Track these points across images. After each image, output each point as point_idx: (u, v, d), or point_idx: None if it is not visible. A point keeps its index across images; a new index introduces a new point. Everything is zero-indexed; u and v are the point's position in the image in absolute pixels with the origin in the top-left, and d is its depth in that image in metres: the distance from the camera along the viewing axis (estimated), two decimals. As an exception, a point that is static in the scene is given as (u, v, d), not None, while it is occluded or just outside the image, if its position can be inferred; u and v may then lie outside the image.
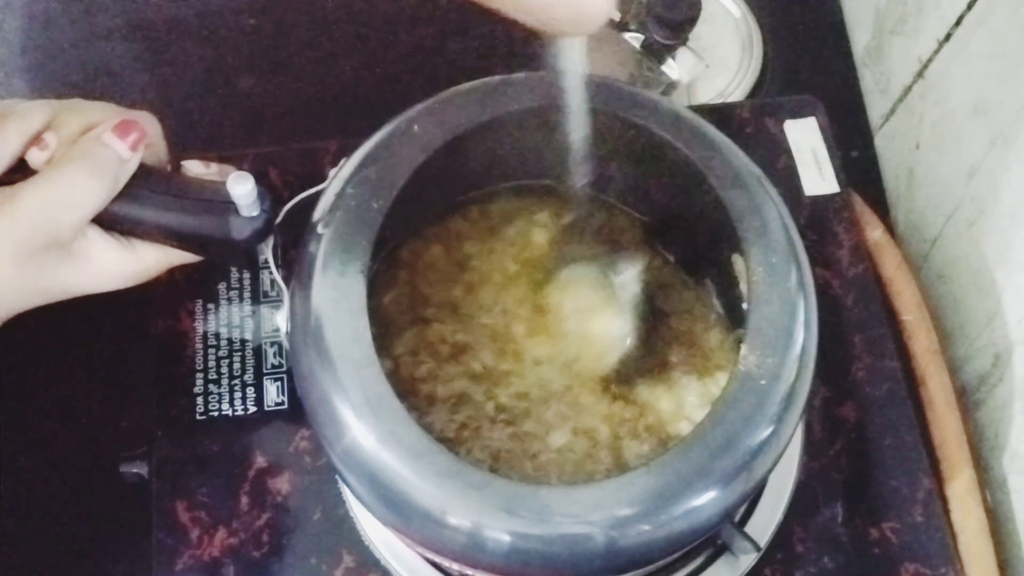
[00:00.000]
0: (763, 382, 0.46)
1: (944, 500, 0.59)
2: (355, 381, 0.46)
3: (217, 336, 0.60)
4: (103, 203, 0.49)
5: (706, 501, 0.45)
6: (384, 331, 0.55)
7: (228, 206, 0.51)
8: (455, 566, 0.48)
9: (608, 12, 0.42)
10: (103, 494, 0.62)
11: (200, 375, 0.59)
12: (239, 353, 0.60)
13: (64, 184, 0.48)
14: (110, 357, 0.66)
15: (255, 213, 0.51)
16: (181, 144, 0.55)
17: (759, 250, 0.49)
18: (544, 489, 0.45)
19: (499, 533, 0.44)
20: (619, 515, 0.44)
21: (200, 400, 0.59)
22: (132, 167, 0.50)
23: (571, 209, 0.59)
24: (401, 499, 0.45)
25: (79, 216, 0.48)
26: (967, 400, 0.64)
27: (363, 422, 0.45)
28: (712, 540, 0.53)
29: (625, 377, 0.54)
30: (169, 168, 0.53)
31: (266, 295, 0.61)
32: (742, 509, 0.56)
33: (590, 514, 0.44)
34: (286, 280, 0.52)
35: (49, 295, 0.50)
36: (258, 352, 0.60)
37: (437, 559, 0.49)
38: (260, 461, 0.57)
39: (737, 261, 0.52)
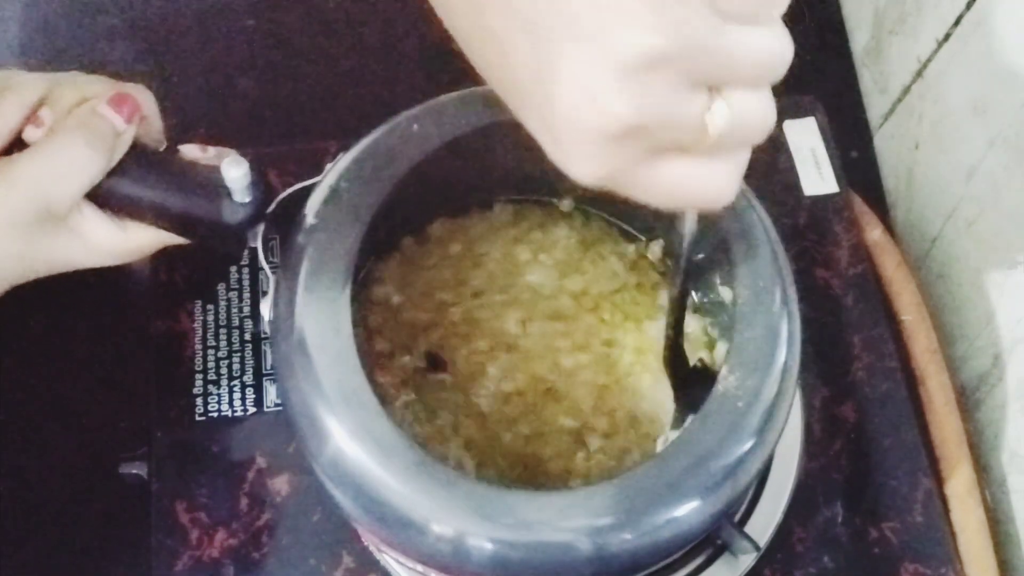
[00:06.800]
0: (740, 403, 0.46)
1: (944, 500, 0.59)
2: (332, 374, 0.46)
3: (216, 337, 0.60)
4: (99, 175, 0.49)
5: (672, 517, 0.45)
6: (371, 328, 0.55)
7: (221, 189, 0.51)
8: (419, 567, 0.48)
9: (724, 204, 0.39)
10: (103, 494, 0.62)
11: (199, 376, 0.59)
12: (238, 354, 0.60)
13: (60, 155, 0.48)
14: (110, 357, 0.66)
15: (248, 199, 0.51)
16: (180, 143, 0.55)
17: (745, 272, 0.49)
18: (512, 493, 0.45)
19: (465, 535, 0.44)
20: (585, 524, 0.44)
21: (200, 401, 0.59)
22: (127, 139, 0.50)
23: (565, 219, 0.59)
24: (368, 494, 0.45)
25: (75, 187, 0.48)
26: (966, 400, 0.64)
27: (336, 415, 0.45)
28: (711, 540, 0.53)
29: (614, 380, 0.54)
30: (165, 146, 0.53)
31: (265, 295, 0.61)
32: (742, 509, 0.56)
33: (557, 520, 0.44)
34: (274, 269, 0.52)
35: (44, 268, 0.51)
36: (257, 353, 0.60)
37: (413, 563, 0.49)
38: (260, 462, 0.57)
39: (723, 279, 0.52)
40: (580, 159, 0.37)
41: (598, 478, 0.52)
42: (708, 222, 0.51)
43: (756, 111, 0.37)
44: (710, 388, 0.47)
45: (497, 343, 0.55)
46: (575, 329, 0.56)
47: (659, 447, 0.53)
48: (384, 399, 0.53)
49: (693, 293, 0.56)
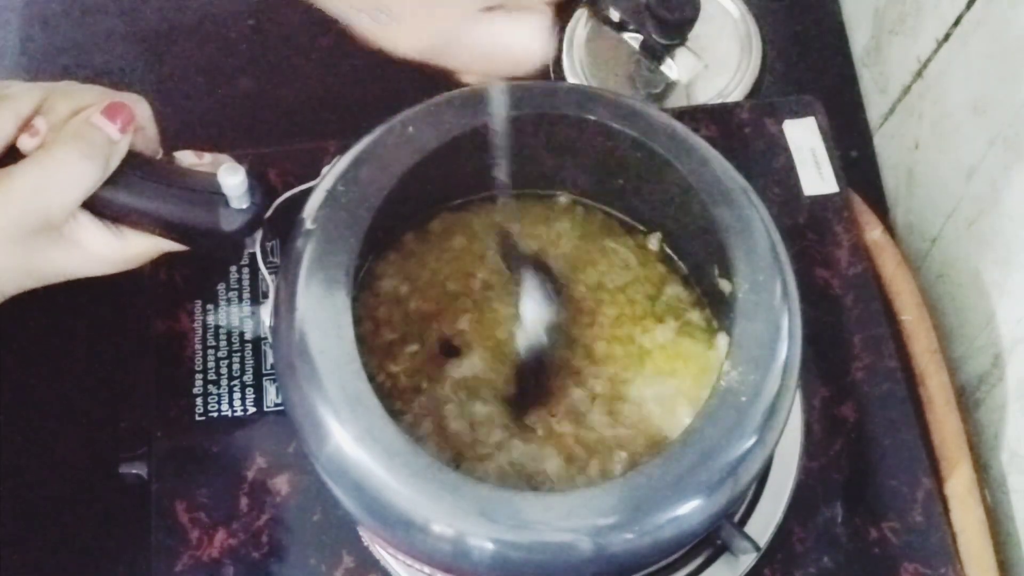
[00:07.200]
0: (744, 398, 0.46)
1: (944, 500, 0.59)
2: (335, 378, 0.46)
3: (216, 337, 0.60)
4: (94, 185, 0.49)
5: (676, 515, 0.45)
6: (370, 331, 0.55)
7: (218, 197, 0.51)
8: (421, 567, 0.48)
9: (543, 57, 0.44)
10: (103, 494, 0.63)
11: (199, 376, 0.59)
12: (238, 354, 0.60)
13: (55, 166, 0.48)
14: (110, 357, 0.66)
15: (245, 205, 0.51)
16: (181, 144, 0.55)
17: (745, 267, 0.49)
18: (514, 493, 0.45)
19: (468, 536, 0.44)
20: (589, 524, 0.44)
21: (200, 401, 0.59)
22: (123, 149, 0.50)
23: (565, 213, 0.59)
24: (373, 498, 0.45)
25: (71, 198, 0.48)
26: (966, 400, 0.64)
27: (340, 420, 0.45)
28: (711, 540, 0.53)
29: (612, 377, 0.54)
30: (160, 155, 0.53)
31: (265, 295, 0.61)
32: (742, 509, 0.56)
33: (559, 520, 0.44)
34: (273, 272, 0.52)
35: (41, 277, 0.51)
36: (257, 353, 0.60)
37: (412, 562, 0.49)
38: (260, 462, 0.57)
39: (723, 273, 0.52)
40: (406, 27, 0.41)
41: (623, 456, 0.52)
42: (696, 209, 0.51)
43: None
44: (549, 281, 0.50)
45: (492, 343, 0.55)
46: (598, 321, 0.56)
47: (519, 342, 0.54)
48: (393, 388, 0.53)
49: (696, 286, 0.57)
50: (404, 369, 0.54)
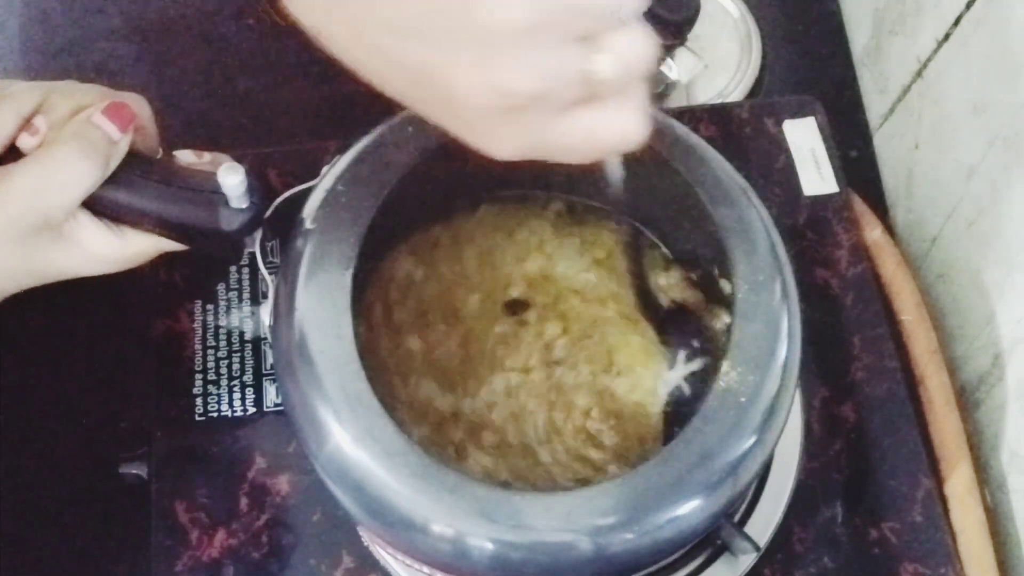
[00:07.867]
0: (743, 399, 0.46)
1: (944, 500, 0.59)
2: (334, 378, 0.46)
3: (216, 337, 0.60)
4: (94, 184, 0.49)
5: (676, 515, 0.45)
6: (370, 331, 0.55)
7: (218, 197, 0.51)
8: (421, 567, 0.48)
9: (637, 140, 0.42)
10: (103, 494, 0.63)
11: (199, 376, 0.59)
12: (238, 354, 0.60)
13: (56, 165, 0.48)
14: (110, 357, 0.66)
15: (245, 205, 0.51)
16: (181, 144, 0.55)
17: (744, 267, 0.49)
18: (517, 495, 0.45)
19: (468, 536, 0.44)
20: (589, 524, 0.44)
21: (199, 401, 0.59)
22: (123, 149, 0.50)
23: (563, 218, 0.59)
24: (373, 498, 0.45)
25: (71, 197, 0.49)
26: (966, 400, 0.64)
27: (340, 420, 0.45)
28: (711, 540, 0.53)
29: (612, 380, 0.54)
30: (160, 154, 0.53)
31: (265, 295, 0.61)
32: (742, 509, 0.56)
33: (559, 521, 0.44)
34: (273, 272, 0.52)
35: (40, 276, 0.51)
36: (257, 353, 0.60)
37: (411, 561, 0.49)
38: (260, 462, 0.57)
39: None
40: (496, 139, 0.40)
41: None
42: (698, 212, 0.51)
43: (634, 45, 0.39)
44: (692, 325, 0.51)
45: (490, 343, 0.55)
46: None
47: (660, 389, 0.54)
48: (412, 363, 0.54)
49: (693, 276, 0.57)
50: (399, 362, 0.54)
